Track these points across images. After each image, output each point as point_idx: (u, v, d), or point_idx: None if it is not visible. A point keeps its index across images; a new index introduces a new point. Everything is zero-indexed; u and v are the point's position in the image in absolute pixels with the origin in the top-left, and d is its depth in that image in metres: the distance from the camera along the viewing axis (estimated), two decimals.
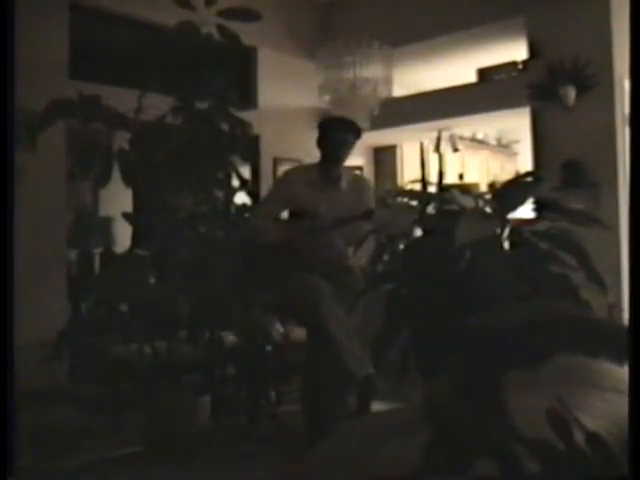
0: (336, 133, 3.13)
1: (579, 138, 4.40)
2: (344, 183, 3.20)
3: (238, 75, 4.44)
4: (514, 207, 2.15)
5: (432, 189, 3.59)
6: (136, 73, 3.42)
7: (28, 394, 2.40)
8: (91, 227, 4.63)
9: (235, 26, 3.26)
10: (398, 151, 7.34)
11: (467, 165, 7.54)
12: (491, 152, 8.17)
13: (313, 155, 3.38)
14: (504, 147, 8.41)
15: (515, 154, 8.46)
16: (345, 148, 3.15)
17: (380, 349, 2.27)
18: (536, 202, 2.20)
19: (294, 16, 5.66)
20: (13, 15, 1.30)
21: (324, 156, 3.18)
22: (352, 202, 3.11)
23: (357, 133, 3.18)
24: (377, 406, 2.85)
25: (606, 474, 0.49)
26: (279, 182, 3.34)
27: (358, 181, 3.38)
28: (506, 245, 2.15)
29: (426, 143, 6.39)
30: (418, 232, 2.49)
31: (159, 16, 4.01)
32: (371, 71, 4.89)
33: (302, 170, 3.38)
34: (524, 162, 7.12)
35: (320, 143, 3.19)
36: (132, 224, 3.40)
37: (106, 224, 4.63)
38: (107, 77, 4.12)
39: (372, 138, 6.78)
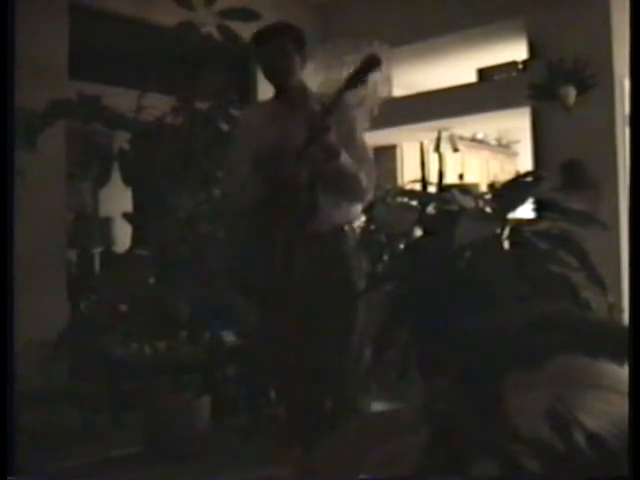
0: (268, 41, 2.50)
1: (579, 138, 4.39)
2: (315, 105, 2.46)
3: (238, 75, 4.44)
4: (514, 207, 2.15)
5: (432, 189, 3.59)
6: (136, 73, 3.43)
7: (28, 394, 2.40)
8: (91, 227, 4.63)
9: (235, 26, 3.26)
10: (398, 151, 7.34)
11: (467, 165, 7.54)
12: (491, 152, 8.17)
13: None
14: (504, 147, 8.41)
15: (515, 154, 8.46)
16: (284, 56, 2.47)
17: (380, 349, 2.27)
18: (536, 202, 2.21)
19: (294, 16, 5.65)
20: (13, 15, 1.30)
21: (270, 79, 2.55)
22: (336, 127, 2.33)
23: (296, 38, 2.53)
24: (377, 406, 2.86)
25: (606, 474, 0.49)
26: (240, 129, 2.69)
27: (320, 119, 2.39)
28: (506, 245, 2.15)
29: (426, 143, 6.40)
30: (418, 232, 2.49)
31: (159, 16, 4.01)
32: None
33: (257, 106, 2.78)
34: (524, 162, 7.11)
35: (261, 69, 2.58)
36: (132, 224, 3.40)
37: (106, 224, 4.63)
38: (107, 77, 4.11)
39: (372, 138, 6.78)
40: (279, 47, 2.47)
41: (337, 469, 0.96)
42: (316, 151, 2.26)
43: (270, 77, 2.54)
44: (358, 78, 2.27)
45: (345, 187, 2.39)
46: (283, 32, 2.54)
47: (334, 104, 2.24)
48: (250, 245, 2.42)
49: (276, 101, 2.58)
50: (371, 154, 2.58)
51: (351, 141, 2.41)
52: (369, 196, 2.52)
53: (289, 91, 2.52)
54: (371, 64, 2.26)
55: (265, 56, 2.51)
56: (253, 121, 2.62)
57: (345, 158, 2.31)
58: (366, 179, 2.40)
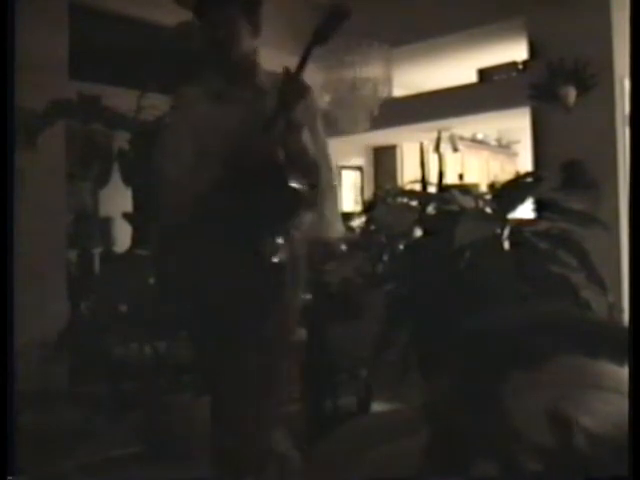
0: (210, 6, 2.07)
1: (579, 138, 4.40)
2: (264, 80, 2.13)
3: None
4: (514, 207, 2.16)
5: (432, 189, 3.59)
6: (136, 73, 3.43)
7: (28, 394, 2.40)
8: (91, 227, 4.63)
9: None
10: (398, 151, 7.35)
11: (467, 165, 7.55)
12: (491, 152, 8.18)
13: None
14: (504, 147, 8.42)
15: (515, 154, 8.47)
16: (229, 23, 2.05)
17: (380, 349, 2.27)
18: (536, 202, 2.21)
19: (294, 16, 5.66)
20: (13, 15, 1.30)
21: (212, 51, 2.14)
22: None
23: (245, 2, 2.09)
24: (378, 406, 2.86)
25: (606, 474, 0.49)
26: (177, 114, 2.28)
27: (291, 82, 1.97)
28: (506, 245, 2.15)
29: (426, 143, 6.40)
30: (418, 232, 2.49)
31: (159, 16, 4.01)
32: (371, 71, 4.89)
33: (199, 83, 2.23)
34: (524, 162, 7.12)
35: (202, 39, 2.16)
36: (132, 224, 3.40)
37: (106, 224, 4.63)
38: (107, 77, 4.12)
39: (372, 138, 6.79)
40: (223, 12, 2.05)
41: (337, 469, 0.96)
42: (280, 125, 1.93)
43: (212, 49, 2.12)
44: (327, 30, 1.96)
45: (305, 170, 2.00)
46: None
47: (304, 63, 1.95)
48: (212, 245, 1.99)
49: (219, 78, 2.15)
50: (328, 151, 2.23)
51: (311, 126, 2.10)
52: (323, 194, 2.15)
53: (235, 66, 2.12)
54: (339, 13, 1.98)
55: (207, 23, 2.08)
56: (193, 104, 2.16)
57: (307, 137, 2.01)
58: (324, 172, 2.11)
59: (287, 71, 1.97)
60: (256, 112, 2.00)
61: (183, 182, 2.02)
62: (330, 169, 2.20)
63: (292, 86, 1.95)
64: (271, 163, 1.93)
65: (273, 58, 2.45)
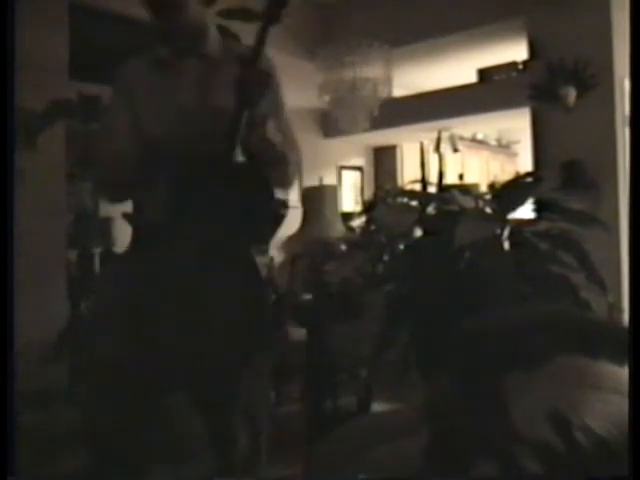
0: None
1: (579, 138, 4.40)
2: (215, 48, 1.92)
3: None
4: (514, 207, 2.15)
5: (432, 189, 3.59)
6: None
7: (28, 394, 2.40)
8: (91, 227, 4.63)
9: (235, 26, 3.26)
10: (398, 151, 7.35)
11: (467, 165, 7.55)
12: (491, 152, 8.18)
13: (314, 156, 3.30)
14: (504, 147, 8.42)
15: (515, 154, 8.47)
16: None
17: (380, 349, 2.27)
18: (536, 202, 2.21)
19: (294, 16, 5.65)
20: (13, 15, 1.30)
21: (152, 13, 1.82)
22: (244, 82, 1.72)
23: None
24: (378, 406, 2.86)
25: (606, 474, 0.49)
26: (115, 89, 2.02)
27: (251, 73, 1.73)
28: (506, 245, 2.15)
29: (426, 143, 6.40)
30: (418, 232, 2.48)
31: None
32: (371, 71, 4.90)
33: (140, 56, 2.03)
34: (524, 162, 7.12)
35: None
36: (132, 224, 3.39)
37: (106, 224, 4.63)
38: (107, 77, 4.11)
39: (372, 138, 6.79)
40: None
41: (337, 469, 0.96)
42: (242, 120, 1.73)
43: (152, 11, 1.83)
44: (276, 8, 1.78)
45: (271, 164, 1.83)
46: None
47: (260, 48, 1.76)
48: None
49: (162, 47, 1.93)
50: (296, 140, 1.99)
51: (276, 116, 1.87)
52: (291, 187, 2.00)
53: (179, 32, 1.87)
54: None
55: None
56: (133, 65, 1.98)
57: (271, 127, 1.81)
58: (292, 164, 1.92)
59: (246, 59, 1.75)
60: (208, 83, 1.83)
61: (121, 160, 1.91)
62: (298, 160, 1.99)
63: (253, 77, 1.73)
64: (234, 160, 1.79)
65: (272, 57, 2.45)
